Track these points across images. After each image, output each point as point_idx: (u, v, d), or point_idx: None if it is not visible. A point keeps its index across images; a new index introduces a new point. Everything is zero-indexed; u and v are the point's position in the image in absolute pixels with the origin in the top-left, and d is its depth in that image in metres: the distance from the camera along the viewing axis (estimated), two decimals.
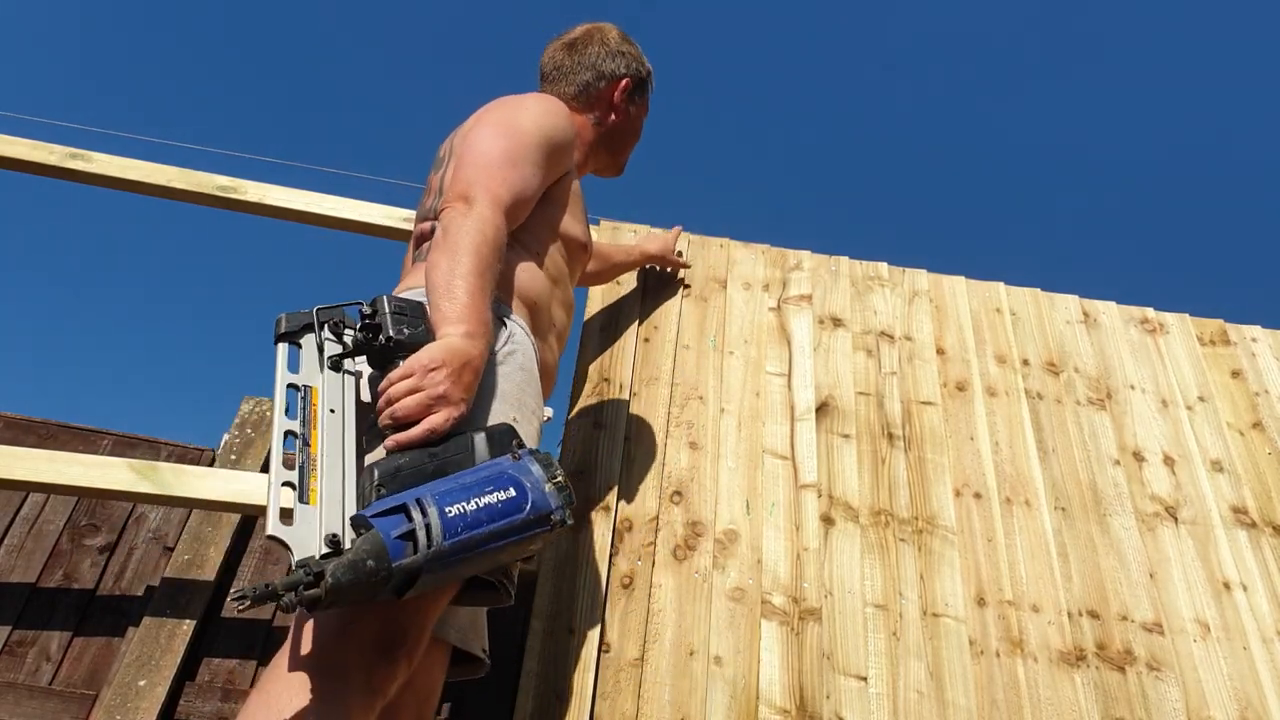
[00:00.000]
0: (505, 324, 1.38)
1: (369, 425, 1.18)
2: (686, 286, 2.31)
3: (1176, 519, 2.06)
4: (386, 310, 1.17)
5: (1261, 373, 2.39)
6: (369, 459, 1.15)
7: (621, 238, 2.38)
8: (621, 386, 2.08)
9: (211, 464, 2.33)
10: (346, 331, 1.18)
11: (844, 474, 2.01)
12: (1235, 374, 2.38)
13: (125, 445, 2.41)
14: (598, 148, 1.78)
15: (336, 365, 1.16)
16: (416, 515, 0.98)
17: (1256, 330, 2.49)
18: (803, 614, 1.78)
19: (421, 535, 0.97)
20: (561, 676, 1.64)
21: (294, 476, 1.03)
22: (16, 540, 2.19)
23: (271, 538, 0.97)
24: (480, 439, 1.12)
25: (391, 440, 1.09)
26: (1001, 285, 2.47)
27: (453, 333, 1.17)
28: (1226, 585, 1.96)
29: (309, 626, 1.08)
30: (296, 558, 0.96)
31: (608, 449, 1.97)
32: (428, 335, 1.17)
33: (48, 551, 2.18)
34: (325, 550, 0.97)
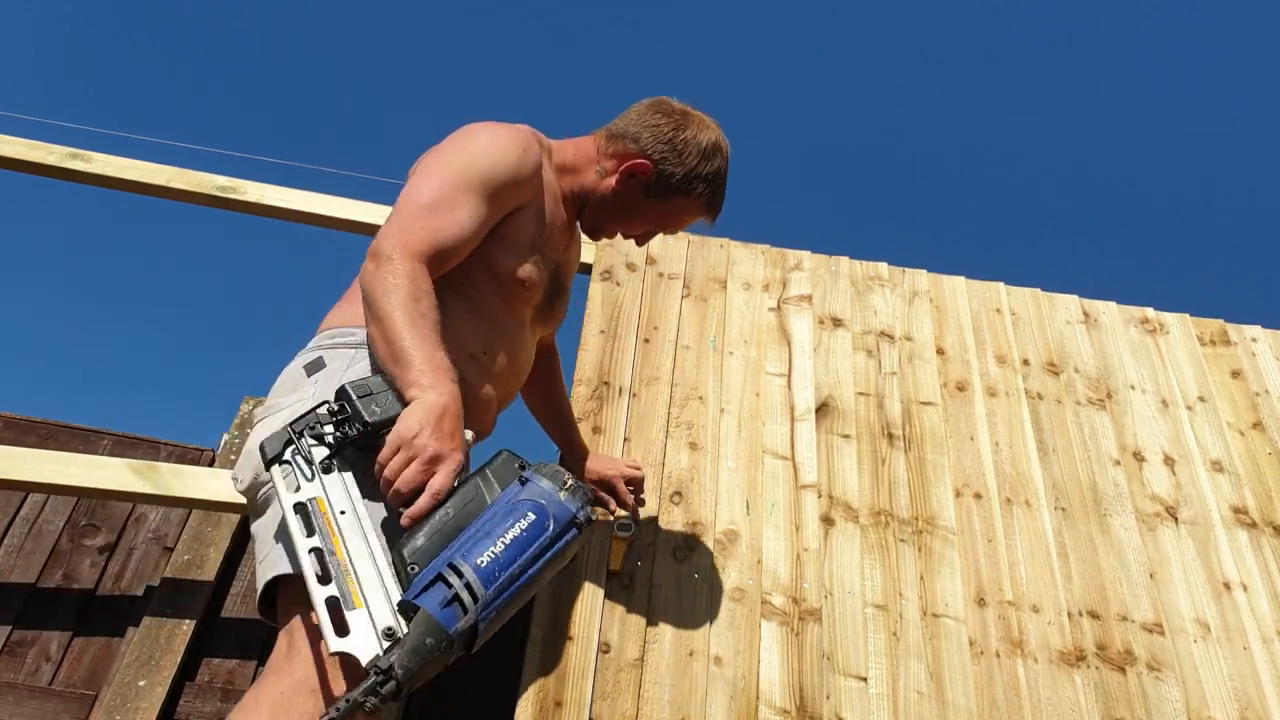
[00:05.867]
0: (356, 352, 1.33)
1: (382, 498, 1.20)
2: (686, 286, 2.31)
3: (1177, 519, 2.06)
4: (354, 397, 1.20)
5: (1261, 373, 2.39)
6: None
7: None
8: (621, 387, 2.08)
9: (211, 464, 2.33)
10: (325, 430, 1.21)
11: (844, 474, 2.01)
12: (1235, 374, 2.38)
13: (125, 445, 2.41)
14: (582, 196, 1.60)
15: (328, 468, 1.19)
16: (454, 579, 1.03)
17: (1256, 330, 2.49)
18: (803, 614, 1.78)
19: (465, 596, 1.02)
20: (561, 677, 1.64)
21: (334, 590, 1.07)
22: (16, 540, 2.19)
23: (336, 654, 1.02)
24: (486, 478, 1.16)
25: (405, 518, 1.13)
26: (1001, 285, 2.47)
27: (416, 394, 1.19)
28: (1226, 585, 1.96)
29: (294, 646, 1.11)
30: (364, 661, 1.01)
31: (608, 450, 1.97)
32: (399, 402, 1.20)
33: (48, 551, 2.18)
34: (385, 645, 1.02)
